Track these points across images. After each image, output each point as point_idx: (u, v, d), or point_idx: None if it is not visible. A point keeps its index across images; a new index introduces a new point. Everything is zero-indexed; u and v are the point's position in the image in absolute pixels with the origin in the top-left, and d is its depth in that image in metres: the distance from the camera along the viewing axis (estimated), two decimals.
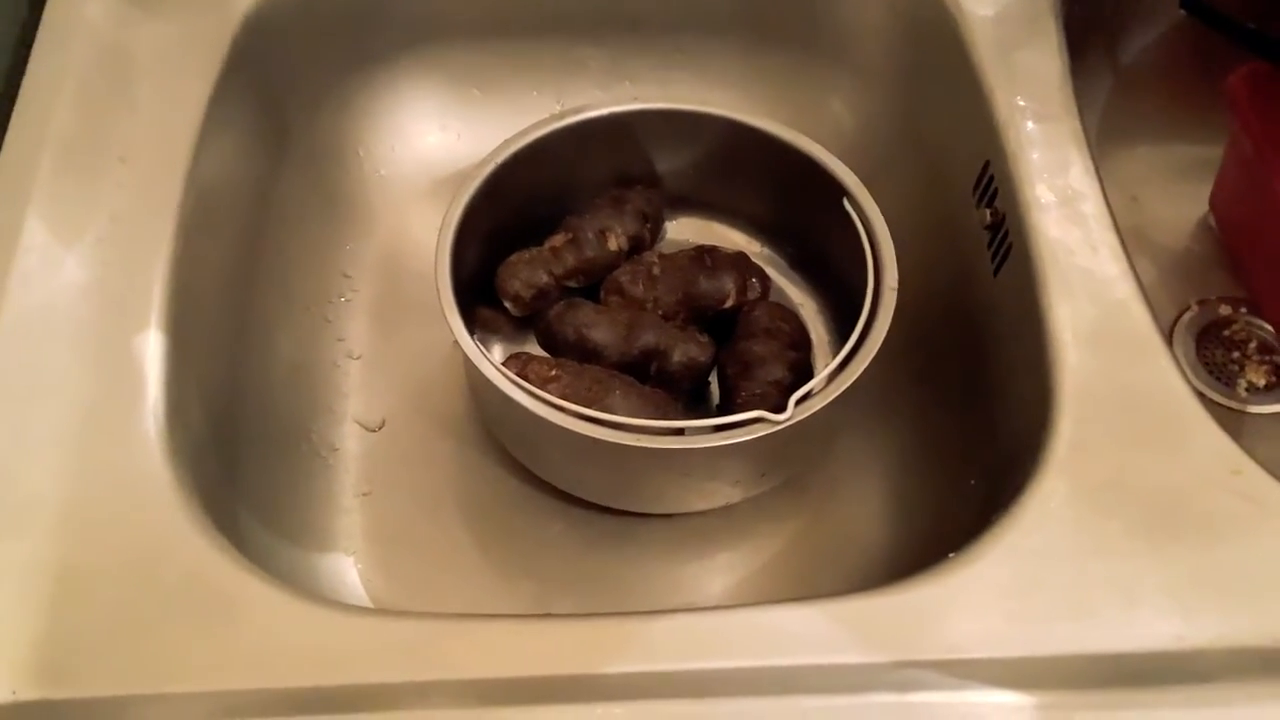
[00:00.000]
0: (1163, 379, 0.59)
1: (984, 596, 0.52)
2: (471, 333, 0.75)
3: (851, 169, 0.70)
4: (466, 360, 0.64)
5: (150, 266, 0.61)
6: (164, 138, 0.66)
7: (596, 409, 0.65)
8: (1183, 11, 0.78)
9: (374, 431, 0.74)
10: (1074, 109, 0.68)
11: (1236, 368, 0.79)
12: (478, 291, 0.75)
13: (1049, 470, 0.56)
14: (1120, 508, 0.55)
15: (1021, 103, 0.68)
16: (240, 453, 0.66)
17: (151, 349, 0.59)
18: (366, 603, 0.67)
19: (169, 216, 0.63)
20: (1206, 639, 0.51)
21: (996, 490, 0.62)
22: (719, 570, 0.71)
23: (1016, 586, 0.53)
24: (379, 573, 0.69)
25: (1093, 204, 0.65)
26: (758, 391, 0.69)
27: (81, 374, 0.58)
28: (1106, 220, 0.64)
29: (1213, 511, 0.55)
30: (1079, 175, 0.66)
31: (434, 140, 0.84)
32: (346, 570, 0.68)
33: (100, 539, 0.54)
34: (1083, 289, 0.62)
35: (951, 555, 0.54)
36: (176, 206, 0.64)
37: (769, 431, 0.61)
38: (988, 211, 0.68)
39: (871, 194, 0.69)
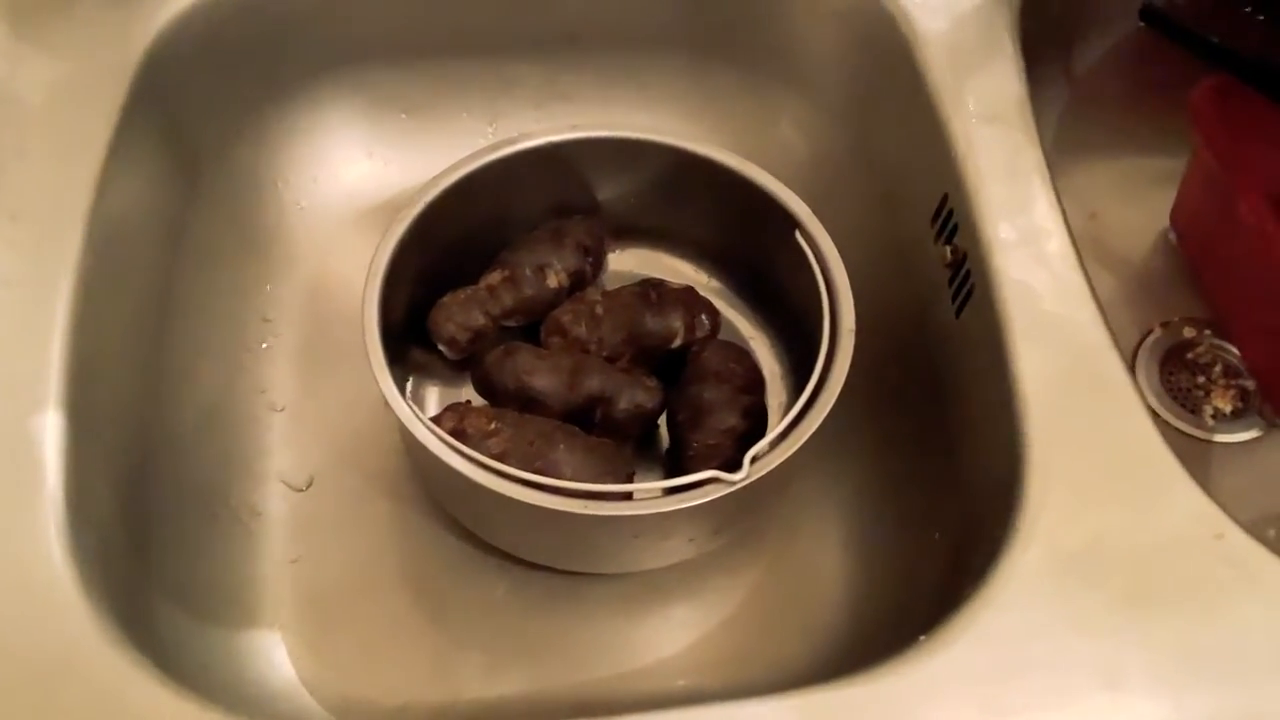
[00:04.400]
0: (1137, 432, 0.56)
1: (960, 684, 0.49)
2: (405, 377, 0.72)
3: (803, 195, 0.67)
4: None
5: (46, 336, 0.56)
6: (60, 188, 0.60)
7: (540, 464, 0.62)
8: (1142, 24, 0.75)
9: (301, 491, 0.69)
10: (1035, 137, 0.65)
11: (1202, 393, 0.76)
12: (410, 332, 0.70)
13: (1021, 536, 0.53)
14: (1099, 577, 0.52)
15: (980, 133, 0.65)
16: (152, 525, 0.61)
17: (50, 431, 0.54)
18: (296, 683, 0.62)
19: (66, 277, 0.58)
20: None
21: (963, 546, 0.59)
22: (675, 628, 0.67)
23: (994, 671, 0.49)
24: (309, 649, 0.64)
25: (1058, 242, 0.61)
26: (710, 443, 0.65)
27: None
28: (1073, 259, 0.61)
29: (1196, 580, 0.52)
30: (1043, 211, 0.62)
31: (360, 169, 0.79)
32: (273, 648, 0.63)
33: None
34: (1050, 335, 0.58)
35: (923, 638, 0.51)
36: (75, 265, 0.58)
37: (723, 493, 0.58)
38: (948, 249, 0.65)
39: (824, 222, 0.66)
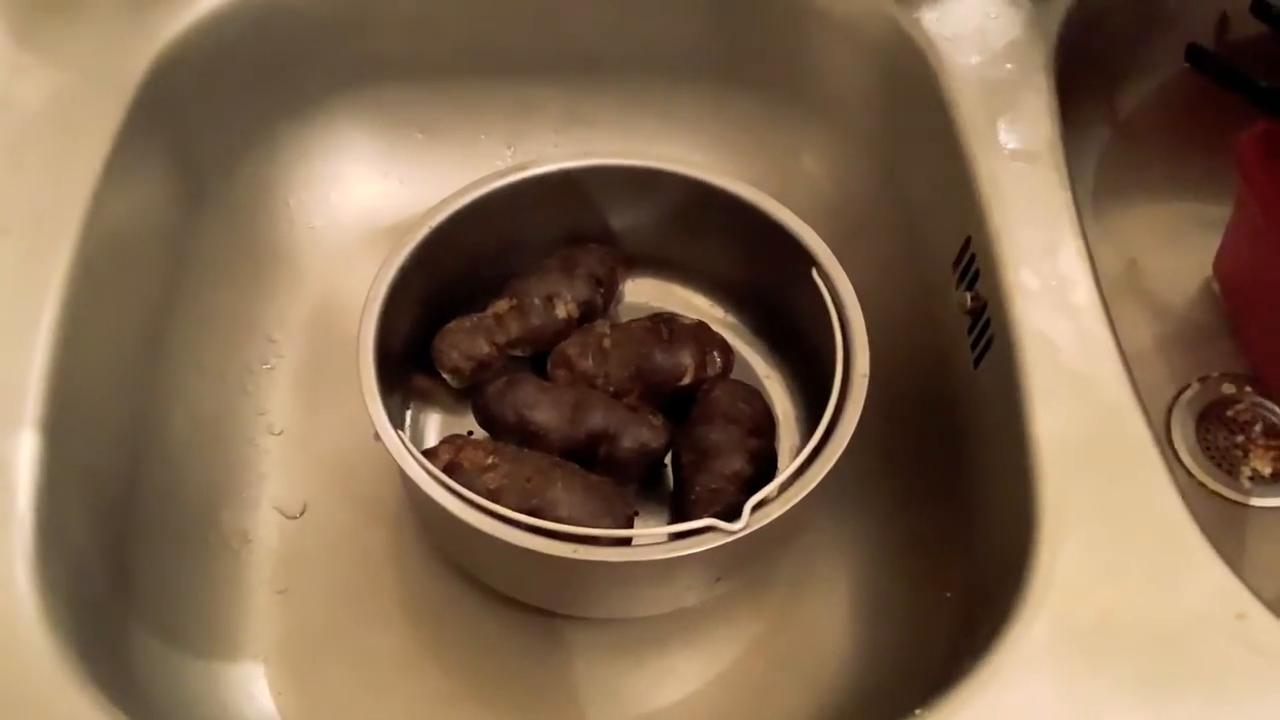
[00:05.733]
0: (1159, 500, 0.52)
1: None
2: (406, 404, 0.70)
3: (823, 231, 0.65)
4: None
5: (28, 354, 0.55)
6: (54, 202, 0.59)
7: (536, 502, 0.60)
8: (1188, 64, 0.72)
9: (294, 518, 0.67)
10: (1066, 179, 0.62)
11: (1240, 453, 0.72)
12: (414, 357, 0.68)
13: (1028, 609, 0.50)
14: (1109, 657, 0.48)
15: (1008, 173, 0.61)
16: (134, 550, 0.59)
17: (24, 454, 0.52)
18: (275, 719, 0.60)
19: (53, 293, 0.56)
20: None
21: (973, 611, 0.56)
22: (670, 679, 0.64)
23: None
24: (293, 684, 0.62)
25: (1085, 292, 0.58)
26: (713, 486, 0.62)
27: None
28: (1099, 312, 0.57)
29: (1213, 663, 0.48)
30: (1070, 259, 0.59)
31: (374, 188, 0.78)
32: (254, 681, 0.61)
33: None
34: (1070, 393, 0.55)
35: (918, 711, 0.47)
36: (63, 281, 0.57)
37: (721, 543, 0.55)
38: (968, 296, 0.62)
39: (844, 260, 0.63)
